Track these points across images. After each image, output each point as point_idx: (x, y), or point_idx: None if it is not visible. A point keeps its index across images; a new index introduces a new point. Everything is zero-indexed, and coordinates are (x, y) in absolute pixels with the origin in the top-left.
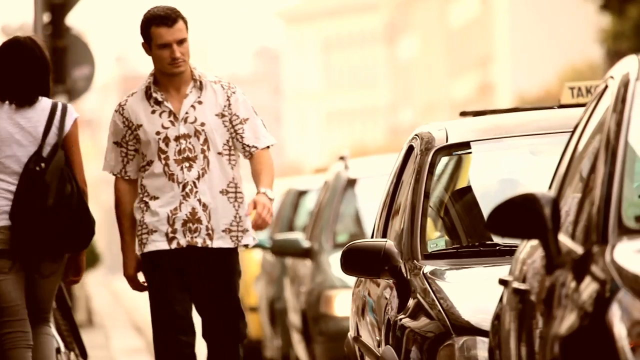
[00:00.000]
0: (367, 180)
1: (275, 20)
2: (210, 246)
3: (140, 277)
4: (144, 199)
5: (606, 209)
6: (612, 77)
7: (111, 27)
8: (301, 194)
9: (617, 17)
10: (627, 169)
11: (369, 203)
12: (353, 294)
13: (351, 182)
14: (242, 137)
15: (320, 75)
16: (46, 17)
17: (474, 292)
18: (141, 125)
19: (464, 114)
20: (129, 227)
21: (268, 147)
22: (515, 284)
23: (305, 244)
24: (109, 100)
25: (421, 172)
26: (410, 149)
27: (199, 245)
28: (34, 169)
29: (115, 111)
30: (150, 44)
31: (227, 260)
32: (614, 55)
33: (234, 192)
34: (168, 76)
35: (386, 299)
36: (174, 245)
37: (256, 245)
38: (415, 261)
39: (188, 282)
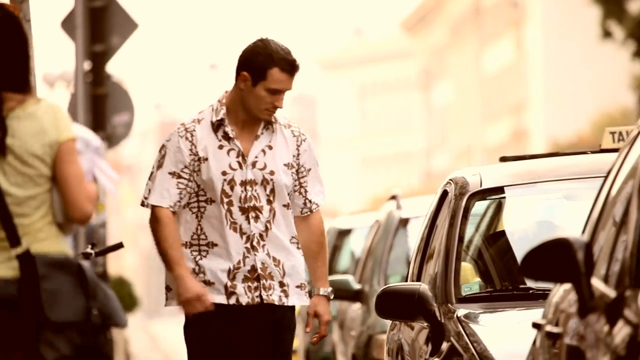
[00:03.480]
0: (420, 220)
1: (312, 67)
2: (286, 304)
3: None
4: (201, 243)
5: (639, 253)
6: None
7: (150, 75)
8: (340, 234)
9: None
10: None
11: None
12: (387, 337)
13: (403, 222)
14: (306, 191)
15: (356, 121)
16: (87, 65)
17: (508, 335)
18: (207, 159)
19: (504, 159)
20: (181, 251)
21: None
22: (549, 328)
23: (356, 286)
24: (148, 146)
25: (455, 216)
26: (445, 193)
27: (276, 303)
28: None
29: (181, 136)
30: (257, 80)
31: (292, 317)
32: None
33: (297, 244)
34: (247, 113)
35: (420, 342)
36: (232, 301)
37: None
38: (449, 305)
39: (236, 342)
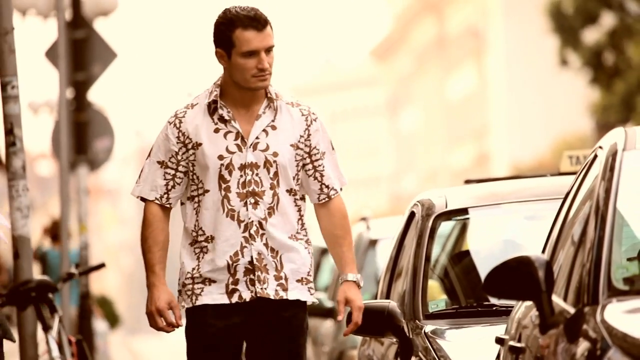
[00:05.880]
0: (389, 240)
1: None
2: (284, 297)
3: (171, 314)
4: (199, 239)
5: (596, 271)
6: (600, 148)
7: (130, 103)
8: (323, 252)
9: (605, 91)
10: (616, 234)
11: None
12: (358, 352)
13: (373, 243)
14: (322, 176)
15: None
16: (69, 93)
17: (473, 350)
18: (201, 145)
19: (468, 181)
20: (160, 255)
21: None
22: (511, 343)
23: (328, 303)
24: (128, 171)
25: (422, 236)
26: (412, 214)
27: (272, 297)
28: None
29: (170, 123)
30: (230, 51)
31: (299, 315)
32: (602, 127)
33: (304, 237)
34: (242, 90)
35: (390, 357)
36: (234, 299)
37: None
38: (417, 321)
39: (240, 345)
